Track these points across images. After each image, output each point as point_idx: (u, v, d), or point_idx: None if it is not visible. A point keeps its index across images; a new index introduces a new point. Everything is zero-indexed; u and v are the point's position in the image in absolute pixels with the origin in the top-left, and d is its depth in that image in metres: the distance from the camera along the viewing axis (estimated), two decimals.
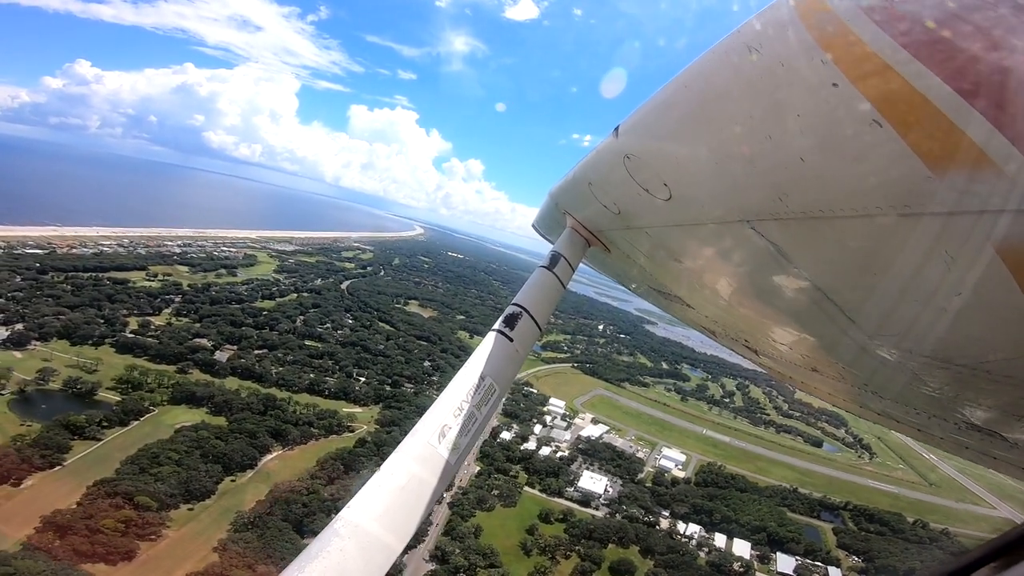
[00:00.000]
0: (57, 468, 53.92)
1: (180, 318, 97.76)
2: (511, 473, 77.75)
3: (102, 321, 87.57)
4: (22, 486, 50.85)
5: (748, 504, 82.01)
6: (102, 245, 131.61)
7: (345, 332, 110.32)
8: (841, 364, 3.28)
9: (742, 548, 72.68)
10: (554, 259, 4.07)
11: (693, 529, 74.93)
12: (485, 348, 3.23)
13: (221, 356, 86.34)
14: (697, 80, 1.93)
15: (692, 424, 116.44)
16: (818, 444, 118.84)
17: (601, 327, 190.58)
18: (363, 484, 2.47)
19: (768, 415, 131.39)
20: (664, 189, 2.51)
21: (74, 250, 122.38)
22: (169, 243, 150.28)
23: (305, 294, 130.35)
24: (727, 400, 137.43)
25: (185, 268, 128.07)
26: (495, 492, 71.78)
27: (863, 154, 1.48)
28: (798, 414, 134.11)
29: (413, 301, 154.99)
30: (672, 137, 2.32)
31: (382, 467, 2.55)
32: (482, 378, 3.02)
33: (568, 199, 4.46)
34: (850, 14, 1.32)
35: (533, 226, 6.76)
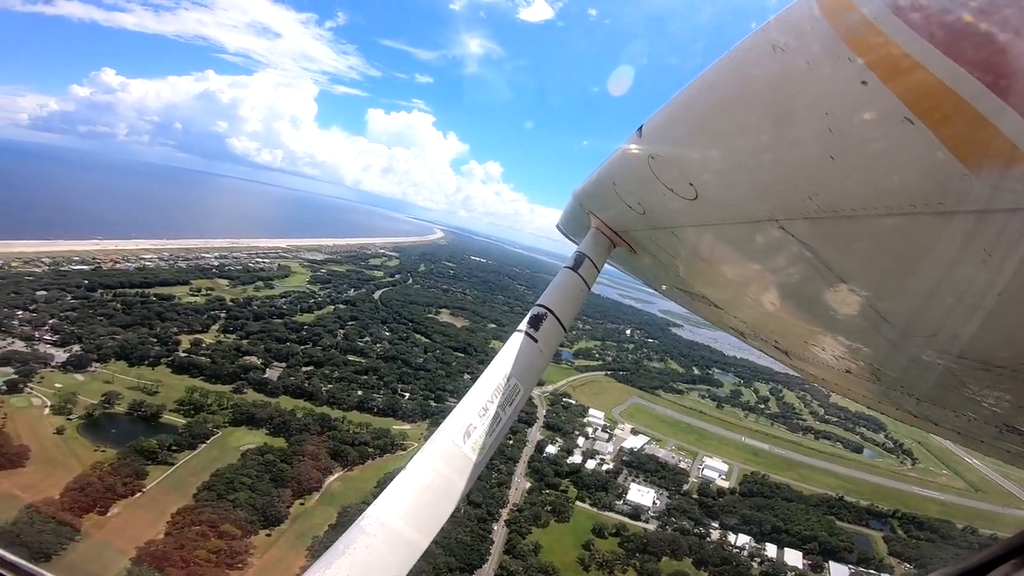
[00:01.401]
0: (138, 495, 55.65)
1: (227, 335, 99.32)
2: (561, 488, 78.38)
3: (155, 340, 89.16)
4: (108, 514, 52.57)
5: (796, 513, 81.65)
6: (143, 259, 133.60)
7: (384, 346, 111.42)
8: (876, 365, 3.27)
9: (794, 558, 72.69)
10: (579, 260, 4.04)
11: (744, 540, 74.96)
12: (510, 349, 3.23)
13: (272, 374, 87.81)
14: (721, 79, 1.95)
15: (730, 432, 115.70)
16: (859, 450, 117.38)
17: (629, 332, 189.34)
18: (390, 482, 2.55)
19: (805, 420, 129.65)
20: (690, 189, 2.50)
21: (118, 265, 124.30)
22: (206, 255, 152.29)
23: (341, 306, 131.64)
24: (762, 406, 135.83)
25: (225, 282, 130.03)
26: (547, 508, 72.61)
27: (895, 152, 1.46)
28: (835, 419, 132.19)
29: (444, 310, 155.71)
30: (697, 136, 2.34)
31: (408, 465, 2.61)
32: (507, 379, 3.04)
33: (592, 199, 4.43)
34: (876, 11, 1.30)
35: (558, 227, 6.69)
